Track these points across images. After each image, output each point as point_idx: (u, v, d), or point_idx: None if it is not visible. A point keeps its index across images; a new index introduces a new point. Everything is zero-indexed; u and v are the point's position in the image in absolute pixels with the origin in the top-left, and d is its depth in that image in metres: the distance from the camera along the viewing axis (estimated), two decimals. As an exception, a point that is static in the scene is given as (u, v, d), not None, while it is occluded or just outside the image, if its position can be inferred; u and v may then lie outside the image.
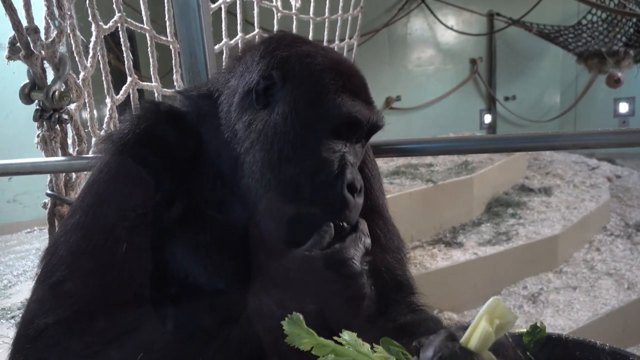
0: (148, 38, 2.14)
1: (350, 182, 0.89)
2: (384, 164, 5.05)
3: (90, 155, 1.84)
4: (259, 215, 0.93)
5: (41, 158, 1.72)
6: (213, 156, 0.97)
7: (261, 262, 0.95)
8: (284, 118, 0.90)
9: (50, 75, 1.72)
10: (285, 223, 0.90)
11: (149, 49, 2.14)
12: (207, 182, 0.97)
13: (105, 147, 0.95)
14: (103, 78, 1.97)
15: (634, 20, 6.41)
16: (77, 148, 1.85)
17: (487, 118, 8.91)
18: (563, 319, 3.72)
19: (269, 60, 0.94)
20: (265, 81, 0.93)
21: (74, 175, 1.87)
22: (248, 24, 3.27)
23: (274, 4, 3.01)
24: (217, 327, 0.80)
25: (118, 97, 2.05)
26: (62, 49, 1.73)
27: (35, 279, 0.90)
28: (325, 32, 3.79)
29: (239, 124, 0.94)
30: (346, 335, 0.69)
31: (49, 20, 1.70)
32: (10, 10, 1.56)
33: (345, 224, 0.86)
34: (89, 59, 1.88)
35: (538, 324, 1.28)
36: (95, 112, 1.94)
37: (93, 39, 1.89)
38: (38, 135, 1.77)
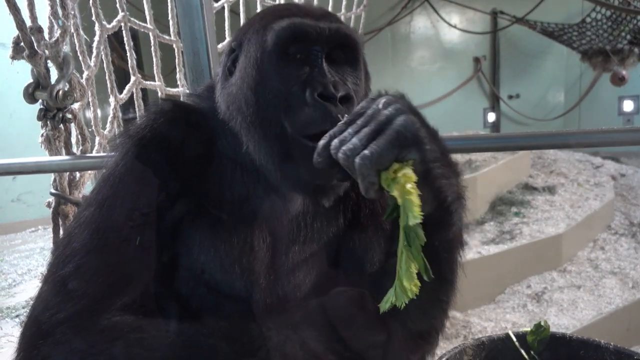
0: (151, 37, 2.14)
1: (320, 91, 0.83)
2: (387, 162, 5.03)
3: (94, 154, 1.84)
4: (267, 179, 0.94)
5: (45, 157, 1.73)
6: (227, 147, 0.98)
7: (283, 255, 0.97)
8: (241, 70, 0.93)
9: (54, 74, 1.73)
10: (289, 170, 0.88)
11: (152, 48, 2.14)
12: (225, 174, 0.97)
13: (123, 141, 0.95)
14: (106, 77, 1.98)
15: (639, 17, 6.37)
16: (80, 147, 1.85)
17: (491, 116, 8.88)
18: (567, 318, 3.71)
19: (233, 37, 1.00)
20: (231, 55, 0.97)
21: (77, 174, 1.88)
22: (251, 23, 3.27)
23: (276, 2, 3.01)
24: (231, 334, 0.80)
25: (121, 96, 2.06)
26: (65, 48, 1.73)
27: (47, 268, 0.89)
28: (328, 31, 3.78)
29: (222, 103, 0.97)
30: None
31: (53, 20, 1.70)
32: (14, 10, 1.57)
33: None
34: (93, 59, 1.89)
35: (542, 323, 1.28)
36: (98, 111, 1.94)
37: (96, 38, 1.90)
38: (42, 135, 1.77)
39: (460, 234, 0.87)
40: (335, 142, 0.73)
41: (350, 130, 0.73)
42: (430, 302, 0.88)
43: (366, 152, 0.70)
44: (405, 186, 0.69)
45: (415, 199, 0.69)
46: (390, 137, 0.70)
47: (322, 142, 0.75)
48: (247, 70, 0.91)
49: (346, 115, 0.78)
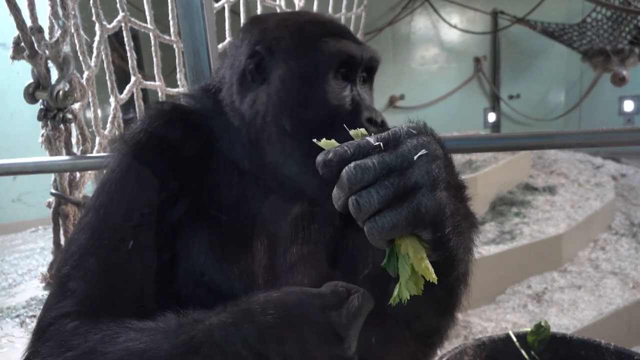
0: (152, 37, 2.14)
1: (369, 116, 0.90)
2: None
3: (94, 155, 1.84)
4: (291, 187, 0.93)
5: (45, 157, 1.73)
6: (226, 150, 0.98)
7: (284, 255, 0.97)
8: (282, 81, 0.91)
9: (54, 74, 1.73)
10: (319, 182, 0.86)
11: (152, 48, 2.15)
12: (223, 176, 0.97)
13: (118, 146, 0.95)
14: (107, 77, 1.99)
15: (639, 17, 6.37)
16: (81, 147, 1.85)
17: (491, 117, 8.88)
18: (567, 318, 3.70)
19: (249, 40, 0.97)
20: (254, 58, 0.95)
21: (78, 174, 1.88)
22: (251, 23, 3.28)
23: (277, 3, 3.01)
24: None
25: (122, 96, 2.06)
26: (66, 48, 1.73)
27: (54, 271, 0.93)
28: (329, 31, 3.78)
29: (243, 107, 0.95)
30: None
31: (53, 20, 1.71)
32: (15, 10, 1.57)
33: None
34: (93, 59, 1.89)
35: (542, 324, 1.28)
36: (99, 111, 1.95)
37: (97, 38, 1.90)
38: (42, 135, 1.77)
39: (465, 273, 0.84)
40: (352, 170, 0.63)
41: (375, 161, 0.63)
42: (429, 330, 0.89)
43: (378, 221, 0.62)
44: (413, 257, 0.65)
45: (420, 269, 0.65)
46: (409, 215, 0.62)
47: (339, 150, 0.65)
48: (292, 83, 0.91)
49: (372, 137, 0.66)
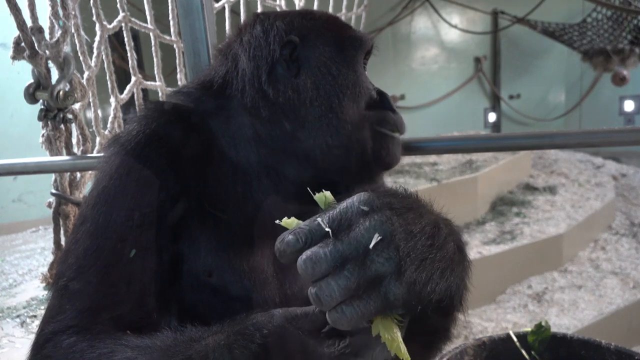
0: (152, 37, 2.15)
1: (389, 99, 1.01)
2: (388, 162, 5.02)
3: (95, 155, 1.84)
4: (315, 174, 0.95)
5: (46, 157, 1.73)
6: (229, 147, 0.95)
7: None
8: (326, 67, 0.95)
9: (54, 75, 1.73)
10: (355, 158, 0.95)
11: (153, 48, 2.15)
12: (227, 175, 0.94)
13: (114, 150, 0.91)
14: (107, 77, 1.99)
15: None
16: (81, 147, 1.85)
17: (492, 116, 8.88)
18: (568, 318, 3.70)
19: (276, 30, 0.96)
20: (288, 48, 0.95)
21: (78, 174, 1.88)
22: (252, 23, 3.28)
23: (277, 3, 3.01)
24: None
25: (122, 96, 2.06)
26: (66, 48, 1.73)
27: (53, 281, 0.90)
28: (329, 31, 3.79)
29: (278, 97, 0.94)
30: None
31: (54, 20, 1.71)
32: (15, 10, 1.57)
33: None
34: (93, 59, 1.89)
35: (543, 323, 1.28)
36: (99, 111, 1.95)
37: (97, 38, 1.90)
38: (43, 135, 1.77)
39: (459, 302, 0.80)
40: (303, 263, 0.59)
41: (327, 251, 0.59)
42: (421, 345, 0.88)
43: (345, 311, 0.59)
44: (384, 337, 0.62)
45: (392, 349, 0.62)
46: (377, 304, 0.59)
47: (290, 240, 0.61)
48: (336, 68, 0.95)
49: (323, 218, 0.62)
